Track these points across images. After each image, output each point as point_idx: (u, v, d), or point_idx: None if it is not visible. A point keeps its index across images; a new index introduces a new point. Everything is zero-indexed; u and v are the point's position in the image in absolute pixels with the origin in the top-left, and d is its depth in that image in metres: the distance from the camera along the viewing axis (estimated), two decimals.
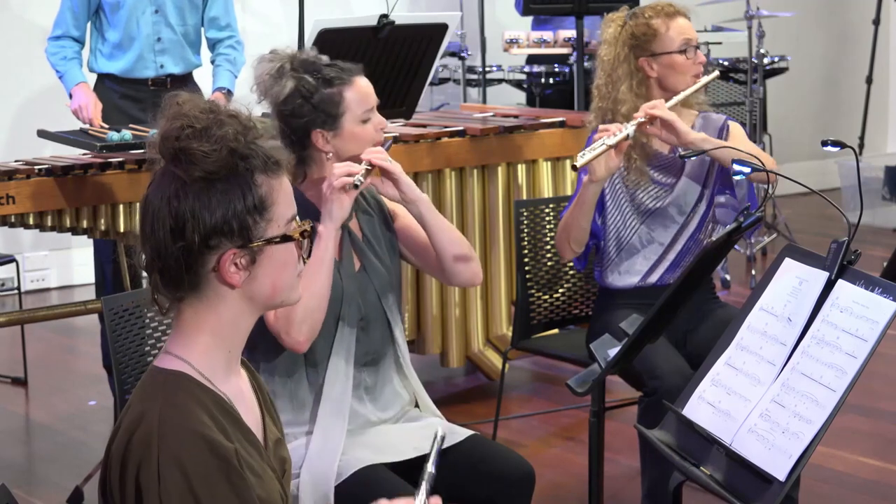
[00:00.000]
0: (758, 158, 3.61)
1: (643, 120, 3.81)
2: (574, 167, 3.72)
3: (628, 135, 3.76)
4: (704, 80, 3.98)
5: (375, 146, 3.27)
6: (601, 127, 3.83)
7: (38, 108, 6.97)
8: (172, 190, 2.09)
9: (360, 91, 3.26)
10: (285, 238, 2.16)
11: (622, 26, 4.00)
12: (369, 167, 3.20)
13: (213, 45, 5.60)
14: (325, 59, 3.29)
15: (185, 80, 5.51)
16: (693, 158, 3.95)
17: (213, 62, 5.59)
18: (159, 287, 2.14)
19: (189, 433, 2.04)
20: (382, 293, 3.30)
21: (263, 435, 2.25)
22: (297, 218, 2.19)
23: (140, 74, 5.44)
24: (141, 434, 2.04)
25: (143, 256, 2.14)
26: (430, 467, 2.24)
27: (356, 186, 3.14)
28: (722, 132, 4.00)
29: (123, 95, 5.43)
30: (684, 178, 3.99)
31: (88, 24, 5.46)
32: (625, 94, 3.96)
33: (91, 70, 5.52)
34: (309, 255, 2.22)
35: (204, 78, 5.67)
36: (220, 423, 2.09)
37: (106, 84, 5.48)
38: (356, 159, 3.23)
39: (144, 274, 2.18)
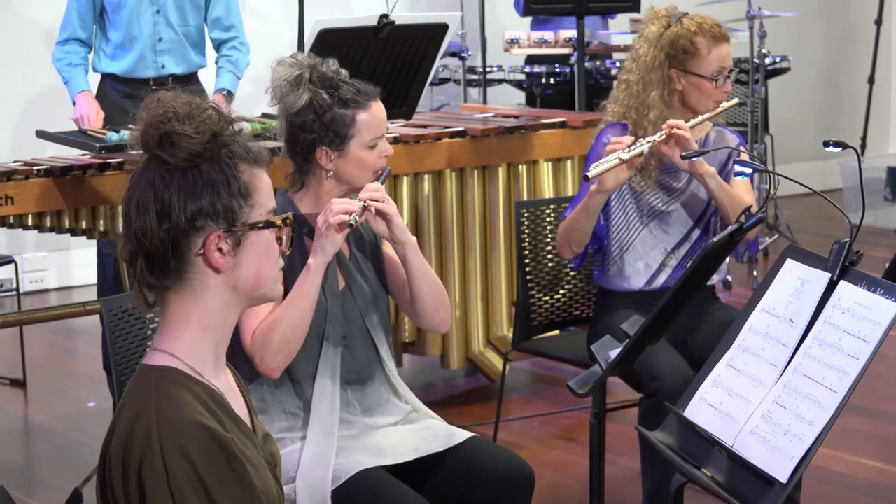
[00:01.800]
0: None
1: (660, 139, 3.78)
2: (586, 177, 3.71)
3: (642, 152, 3.74)
4: (725, 105, 3.95)
5: (375, 173, 3.27)
6: (613, 139, 3.80)
7: (37, 109, 6.95)
8: (157, 175, 2.12)
9: (374, 117, 3.25)
10: (268, 224, 2.18)
11: (665, 28, 3.94)
12: (365, 206, 3.18)
13: (217, 45, 5.59)
14: (344, 74, 3.27)
15: (188, 81, 5.50)
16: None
17: (216, 63, 5.58)
18: (145, 276, 2.15)
19: (189, 423, 2.05)
20: (366, 313, 3.29)
21: (253, 429, 2.26)
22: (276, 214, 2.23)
23: (141, 74, 5.42)
24: (140, 430, 2.05)
25: (127, 248, 2.15)
26: None
27: (351, 226, 3.13)
28: (730, 158, 3.97)
29: (126, 95, 5.42)
30: (693, 185, 3.97)
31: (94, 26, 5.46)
32: (655, 101, 3.92)
33: (95, 70, 5.52)
34: (290, 246, 2.25)
35: (208, 79, 5.65)
36: (215, 414, 2.11)
37: (109, 84, 5.48)
38: (355, 190, 3.22)
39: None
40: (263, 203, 2.18)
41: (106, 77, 5.50)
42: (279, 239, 2.21)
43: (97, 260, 5.40)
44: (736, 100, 4.09)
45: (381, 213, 3.21)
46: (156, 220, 2.10)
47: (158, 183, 2.11)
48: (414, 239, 3.27)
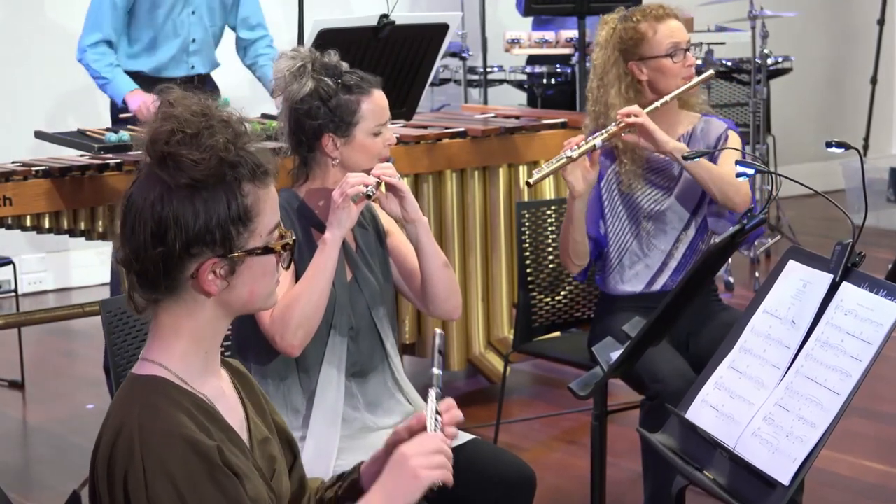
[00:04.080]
0: (731, 188, 3.61)
1: (616, 128, 3.78)
2: (528, 184, 3.72)
3: (594, 146, 3.73)
4: (692, 83, 3.93)
5: (381, 161, 3.27)
6: (566, 141, 3.81)
7: (36, 110, 6.93)
8: (157, 193, 2.06)
9: (377, 104, 3.28)
10: (267, 250, 2.14)
11: (614, 29, 3.98)
12: (378, 182, 3.19)
13: (245, 46, 5.57)
14: (345, 65, 3.30)
15: (206, 79, 5.49)
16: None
17: (253, 65, 5.56)
18: (136, 287, 2.12)
19: (169, 436, 2.03)
20: (373, 305, 3.29)
21: (248, 434, 2.23)
22: (282, 225, 2.18)
23: (170, 74, 5.39)
24: (123, 443, 2.03)
25: (121, 254, 2.12)
26: (436, 369, 2.28)
27: (368, 196, 3.15)
28: (720, 141, 3.96)
29: (149, 93, 5.37)
30: (683, 181, 3.96)
31: None
32: (615, 99, 3.94)
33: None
34: (289, 265, 2.21)
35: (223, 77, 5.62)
36: (200, 423, 2.08)
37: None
38: (364, 172, 3.22)
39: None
40: (265, 224, 2.13)
41: (128, 74, 5.41)
42: (279, 255, 2.17)
43: (112, 259, 5.35)
44: (711, 72, 4.06)
45: (394, 191, 3.23)
46: (150, 242, 2.06)
47: (157, 203, 2.06)
48: (425, 219, 3.28)
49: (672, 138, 3.84)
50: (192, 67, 5.44)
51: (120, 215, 2.11)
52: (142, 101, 5.19)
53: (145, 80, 5.38)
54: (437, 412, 2.22)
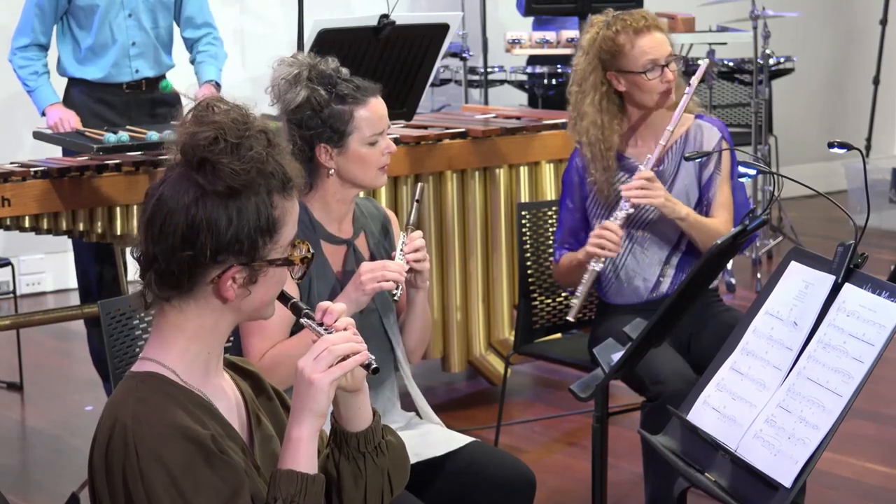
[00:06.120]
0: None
1: (627, 213, 3.82)
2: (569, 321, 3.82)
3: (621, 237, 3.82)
4: (675, 118, 3.86)
5: (381, 169, 3.25)
6: (593, 240, 3.81)
7: (34, 110, 6.90)
8: (191, 196, 2.07)
9: (373, 113, 3.23)
10: (287, 261, 2.16)
11: (597, 34, 3.92)
12: (410, 268, 3.22)
13: (191, 44, 5.50)
14: (345, 72, 3.26)
15: (158, 82, 5.43)
16: (689, 163, 3.89)
17: (193, 61, 5.50)
18: (152, 285, 2.12)
19: (163, 426, 2.04)
20: (384, 314, 3.29)
21: (249, 433, 2.24)
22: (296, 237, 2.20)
23: (115, 80, 5.33)
24: (117, 437, 2.04)
25: (141, 249, 2.12)
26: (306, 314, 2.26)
27: (392, 296, 3.20)
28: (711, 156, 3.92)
29: (98, 100, 5.32)
30: (676, 188, 3.92)
31: (55, 28, 5.32)
32: (588, 108, 3.91)
33: (62, 74, 5.41)
34: (302, 276, 2.22)
35: (179, 78, 5.57)
36: (196, 417, 2.09)
37: (79, 90, 5.36)
38: (360, 189, 3.25)
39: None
40: (287, 236, 2.16)
41: (75, 82, 5.39)
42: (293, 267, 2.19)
43: (76, 265, 5.29)
44: (690, 88, 3.92)
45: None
46: (179, 245, 2.08)
47: (191, 206, 2.07)
48: (428, 283, 3.31)
49: (677, 202, 3.84)
50: (137, 71, 5.34)
51: (147, 213, 2.12)
52: (59, 117, 5.15)
53: (91, 87, 5.34)
54: (320, 323, 2.22)
